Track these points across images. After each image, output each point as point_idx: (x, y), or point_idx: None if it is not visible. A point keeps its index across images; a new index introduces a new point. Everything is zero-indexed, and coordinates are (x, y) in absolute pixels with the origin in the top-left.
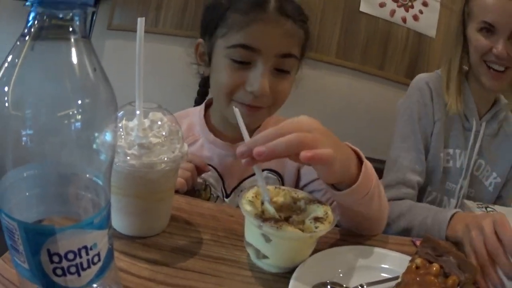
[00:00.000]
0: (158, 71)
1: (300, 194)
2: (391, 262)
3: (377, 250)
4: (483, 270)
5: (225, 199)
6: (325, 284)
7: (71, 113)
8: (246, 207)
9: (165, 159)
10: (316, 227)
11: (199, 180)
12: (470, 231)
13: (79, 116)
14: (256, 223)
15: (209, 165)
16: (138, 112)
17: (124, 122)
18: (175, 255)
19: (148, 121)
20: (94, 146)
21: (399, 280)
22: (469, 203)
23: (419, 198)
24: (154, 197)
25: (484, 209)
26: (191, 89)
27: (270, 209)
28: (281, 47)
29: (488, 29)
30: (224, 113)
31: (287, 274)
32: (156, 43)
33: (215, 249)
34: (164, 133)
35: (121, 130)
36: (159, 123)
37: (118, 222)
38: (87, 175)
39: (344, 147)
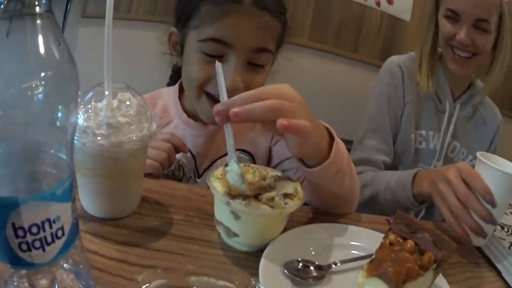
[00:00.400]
0: (131, 57)
1: (270, 171)
2: (364, 239)
3: (350, 227)
4: (459, 218)
5: (197, 179)
6: (297, 261)
7: (33, 85)
8: (215, 185)
9: (134, 138)
10: (286, 204)
11: None
12: (437, 184)
13: (42, 88)
14: (225, 200)
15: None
16: (107, 92)
17: (93, 103)
18: (146, 235)
19: (116, 101)
20: (57, 119)
21: (373, 257)
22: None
23: None
24: (123, 176)
25: None
26: (163, 75)
27: (236, 168)
28: (255, 41)
29: (453, 16)
30: (195, 107)
31: (258, 252)
32: (129, 29)
33: (186, 229)
34: (132, 113)
35: (90, 111)
36: (127, 103)
37: (89, 204)
38: (49, 149)
39: (317, 123)
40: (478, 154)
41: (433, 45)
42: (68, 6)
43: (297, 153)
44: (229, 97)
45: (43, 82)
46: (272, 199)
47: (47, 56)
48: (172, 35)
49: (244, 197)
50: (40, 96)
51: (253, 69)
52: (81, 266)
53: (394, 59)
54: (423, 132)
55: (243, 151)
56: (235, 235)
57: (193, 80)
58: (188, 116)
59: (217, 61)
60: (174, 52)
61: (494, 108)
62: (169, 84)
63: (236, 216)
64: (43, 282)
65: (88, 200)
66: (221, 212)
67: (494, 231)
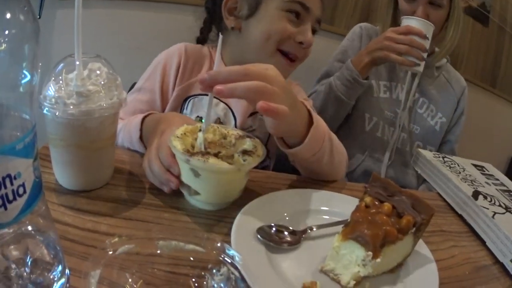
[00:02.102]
0: (110, 36)
1: (231, 130)
2: (340, 205)
3: (325, 193)
4: (409, 53)
5: None
6: (270, 227)
7: None
8: (174, 144)
9: (104, 105)
10: (245, 160)
11: None
12: (380, 44)
13: (4, 46)
14: (184, 158)
15: (223, 102)
16: (77, 62)
17: (64, 75)
18: (119, 205)
19: (86, 71)
20: (18, 74)
21: (348, 220)
22: (424, 152)
23: (361, 126)
24: (95, 145)
25: (441, 158)
26: (141, 51)
27: (200, 138)
28: (320, 12)
29: None
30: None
31: (231, 219)
32: (104, 8)
33: (158, 197)
34: (102, 81)
35: (61, 82)
36: (98, 72)
37: (62, 176)
38: (9, 105)
39: (299, 106)
40: (403, 17)
41: (393, 21)
42: None
43: (275, 132)
44: (300, 52)
45: (6, 39)
46: (232, 156)
47: (12, 16)
48: (229, 1)
49: (203, 154)
50: (2, 53)
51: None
52: (49, 235)
53: (359, 24)
54: (387, 83)
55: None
56: (196, 193)
57: (274, 36)
58: None
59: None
60: (229, 16)
61: (457, 75)
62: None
63: (196, 174)
64: (16, 253)
65: (61, 172)
66: (182, 170)
67: None
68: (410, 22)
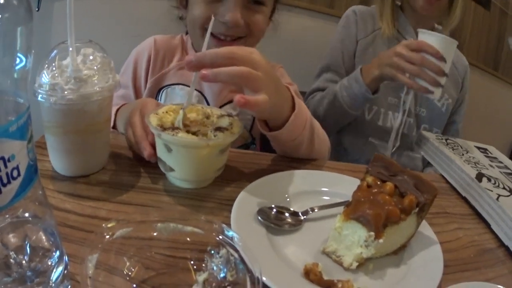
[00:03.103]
0: (104, 22)
1: (215, 110)
2: (342, 186)
3: (327, 174)
4: (419, 77)
5: None
6: (271, 208)
7: None
8: (151, 119)
9: (101, 88)
10: (215, 136)
11: None
12: (389, 61)
13: None
14: (156, 132)
15: (197, 90)
16: (70, 49)
17: (57, 62)
18: (118, 190)
19: (81, 56)
20: (12, 59)
21: (350, 200)
22: (427, 134)
23: (360, 116)
24: (93, 129)
25: (444, 140)
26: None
27: (179, 115)
28: None
29: None
30: (201, 48)
31: (232, 201)
32: None
33: (158, 181)
34: (96, 66)
35: (55, 69)
36: (91, 57)
37: (60, 163)
38: (4, 90)
39: (282, 90)
40: (419, 29)
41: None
42: None
43: (258, 116)
44: (229, 32)
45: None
46: (206, 133)
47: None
48: None
49: (173, 129)
50: None
51: (253, 7)
52: (47, 221)
53: (352, 7)
54: None
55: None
56: (171, 169)
57: (197, 20)
58: None
59: (212, 15)
60: (181, 6)
61: (460, 54)
62: None
63: (169, 149)
64: (15, 240)
65: (59, 160)
66: (158, 146)
67: None
68: (426, 37)
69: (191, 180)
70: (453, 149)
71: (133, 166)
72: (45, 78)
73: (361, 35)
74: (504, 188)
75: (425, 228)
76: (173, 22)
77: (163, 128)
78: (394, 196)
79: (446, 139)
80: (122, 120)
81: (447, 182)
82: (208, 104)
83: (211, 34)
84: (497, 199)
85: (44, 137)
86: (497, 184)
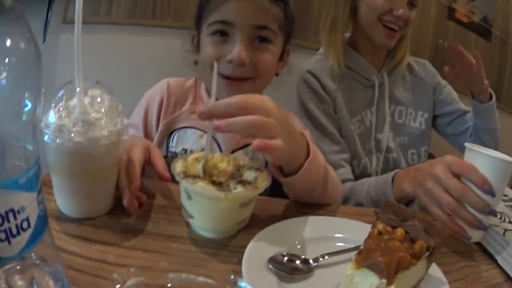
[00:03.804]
0: (113, 60)
1: (246, 162)
2: (351, 231)
3: (336, 219)
4: (455, 214)
5: None
6: (282, 256)
7: None
8: (176, 165)
9: (109, 133)
10: (235, 189)
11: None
12: (424, 183)
13: (5, 74)
14: (178, 179)
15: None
16: (78, 89)
17: (64, 102)
18: (126, 234)
19: (88, 98)
20: (21, 107)
21: (361, 247)
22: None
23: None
24: (100, 173)
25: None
26: (145, 75)
27: (200, 165)
28: (255, 19)
29: None
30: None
31: (240, 248)
32: (110, 33)
33: (167, 227)
34: (104, 108)
35: (61, 110)
36: (99, 99)
37: (66, 204)
38: (12, 137)
39: (296, 136)
40: (467, 144)
41: (342, 24)
42: (49, 13)
43: (272, 163)
44: (237, 72)
45: (6, 68)
46: (229, 185)
47: (12, 44)
48: (194, 38)
49: (195, 177)
50: (4, 82)
51: (260, 46)
52: (56, 265)
53: (304, 68)
54: (359, 117)
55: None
56: (191, 216)
57: (206, 61)
58: None
59: (214, 61)
60: (195, 50)
61: (418, 60)
62: None
63: (189, 196)
64: (21, 283)
65: (65, 201)
66: (181, 192)
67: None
68: (474, 157)
69: (210, 230)
70: None
71: (142, 210)
72: (51, 118)
73: (332, 93)
74: (510, 222)
75: (434, 270)
76: (181, 61)
77: (185, 175)
78: (405, 241)
79: None
80: None
81: None
82: (220, 148)
83: (221, 75)
84: (504, 234)
85: (49, 175)
86: (503, 219)
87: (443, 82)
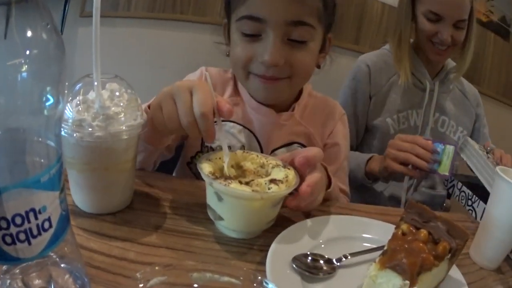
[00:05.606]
0: (128, 54)
1: (270, 159)
2: (375, 231)
3: (360, 219)
4: (409, 162)
5: None
6: (306, 255)
7: (17, 63)
8: (203, 166)
9: (129, 127)
10: (269, 188)
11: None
12: (386, 154)
13: (26, 66)
14: (208, 181)
15: (248, 129)
16: (96, 83)
17: (81, 96)
18: (147, 231)
19: (107, 91)
20: (43, 101)
21: (385, 248)
22: (472, 141)
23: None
24: (121, 167)
25: (485, 152)
26: (160, 70)
27: (225, 168)
28: (289, 14)
29: (435, 18)
30: (247, 89)
31: (263, 247)
32: (129, 27)
33: (189, 224)
34: (124, 102)
35: (79, 104)
36: (117, 93)
37: (84, 200)
38: (33, 134)
39: (324, 180)
40: (498, 169)
41: (406, 37)
42: (67, 7)
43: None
44: (270, 73)
45: (28, 60)
46: (260, 184)
47: (33, 35)
48: (225, 27)
49: (226, 178)
50: (25, 74)
51: (294, 45)
52: (75, 263)
53: (362, 58)
54: (404, 113)
55: (301, 144)
56: (220, 218)
57: (237, 62)
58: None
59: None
60: (226, 42)
61: (469, 85)
62: None
63: (219, 198)
64: (38, 282)
65: (83, 196)
66: (209, 194)
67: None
68: (504, 185)
69: (240, 231)
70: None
71: (160, 207)
72: (69, 112)
73: (375, 89)
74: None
75: (454, 271)
76: (201, 56)
77: (215, 176)
78: (428, 243)
79: (487, 152)
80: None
81: (473, 222)
82: (259, 144)
83: (254, 74)
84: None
85: (65, 169)
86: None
87: (483, 114)
